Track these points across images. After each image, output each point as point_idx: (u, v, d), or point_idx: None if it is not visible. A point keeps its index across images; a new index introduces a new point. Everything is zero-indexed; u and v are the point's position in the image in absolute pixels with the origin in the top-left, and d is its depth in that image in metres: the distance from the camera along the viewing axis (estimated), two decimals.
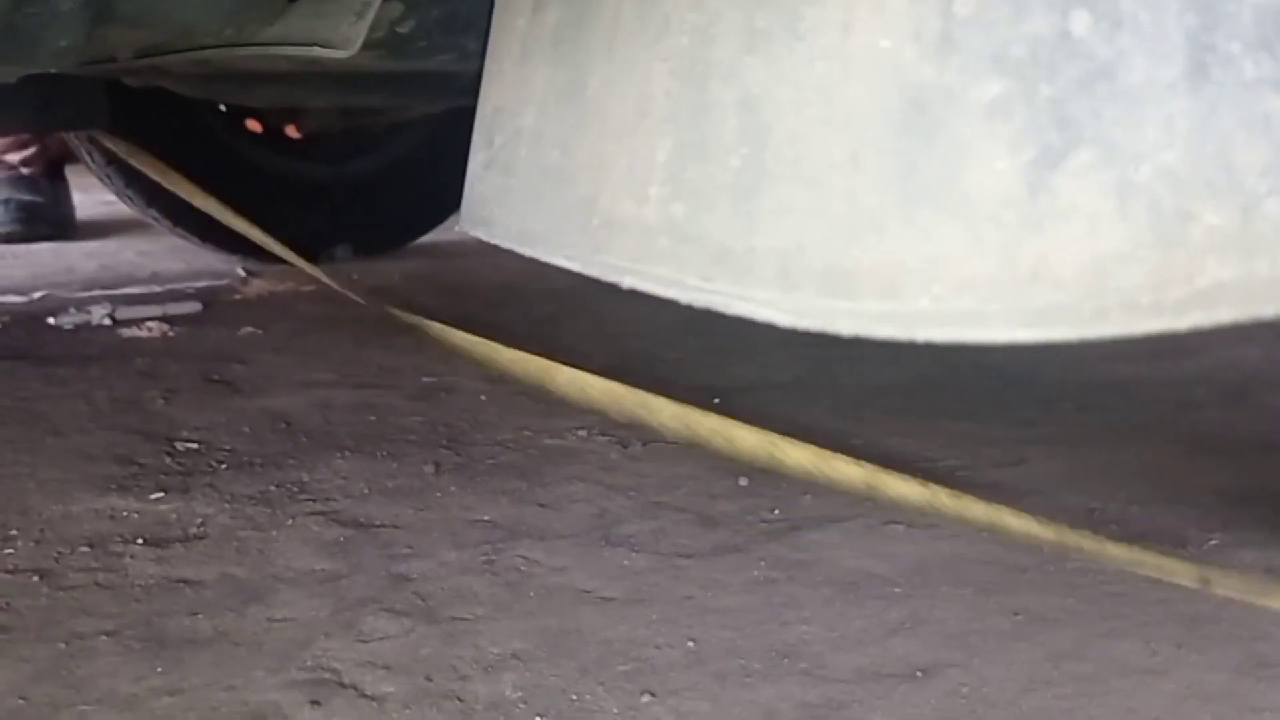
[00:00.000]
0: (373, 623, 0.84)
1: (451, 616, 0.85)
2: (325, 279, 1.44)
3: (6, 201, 2.46)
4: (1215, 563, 0.93)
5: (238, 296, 1.94)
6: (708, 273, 0.40)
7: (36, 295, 1.92)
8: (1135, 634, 0.82)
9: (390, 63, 0.92)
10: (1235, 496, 1.06)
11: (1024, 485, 1.10)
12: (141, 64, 1.00)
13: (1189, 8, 0.32)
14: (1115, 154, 0.33)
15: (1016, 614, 0.85)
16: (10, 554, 0.94)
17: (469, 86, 1.37)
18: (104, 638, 0.81)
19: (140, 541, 0.97)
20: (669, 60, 0.41)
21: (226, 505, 1.04)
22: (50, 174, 2.55)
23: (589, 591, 0.89)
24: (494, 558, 0.94)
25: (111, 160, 2.05)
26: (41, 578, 0.90)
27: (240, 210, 2.12)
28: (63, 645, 0.80)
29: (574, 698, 0.75)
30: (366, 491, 1.08)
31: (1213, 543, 0.97)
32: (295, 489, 1.08)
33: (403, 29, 0.85)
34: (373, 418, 1.29)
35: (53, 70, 0.85)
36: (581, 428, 1.25)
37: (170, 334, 1.66)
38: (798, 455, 0.71)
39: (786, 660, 0.79)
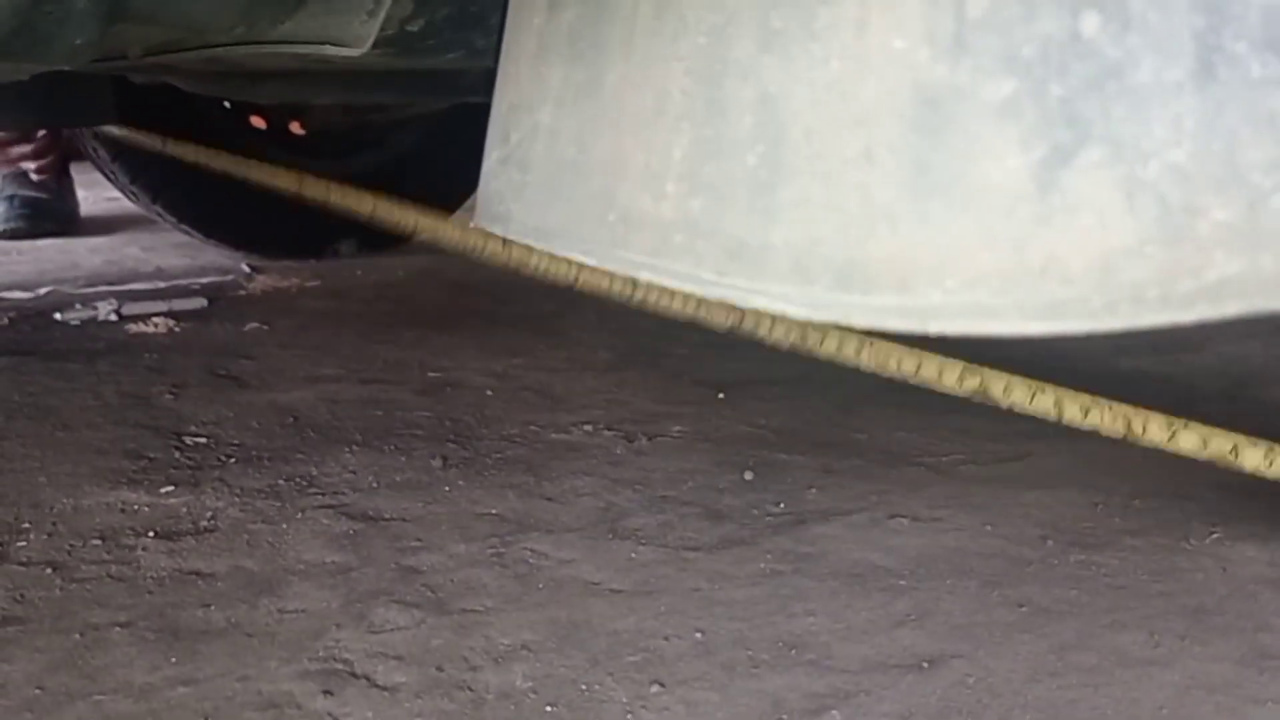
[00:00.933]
0: (383, 614, 0.84)
1: (461, 608, 0.86)
2: None
3: (11, 198, 2.47)
4: (1218, 556, 0.94)
5: (242, 292, 1.95)
6: (724, 267, 0.40)
7: (42, 291, 1.92)
8: (1139, 625, 0.83)
9: (399, 61, 0.93)
10: (1237, 490, 1.07)
11: (1029, 478, 1.11)
12: (151, 61, 1.01)
13: (1197, 9, 0.33)
14: (1124, 151, 0.34)
15: (1021, 605, 0.86)
16: (23, 546, 0.95)
17: (475, 83, 1.38)
18: (118, 629, 0.82)
19: (151, 534, 0.97)
20: (686, 59, 0.42)
21: (236, 499, 1.05)
22: (55, 170, 2.56)
23: (597, 584, 0.90)
24: (502, 550, 0.95)
25: (117, 156, 2.06)
26: (54, 570, 0.91)
27: (245, 206, 2.13)
28: (77, 636, 0.81)
29: (584, 688, 0.76)
30: (375, 485, 1.09)
31: (1215, 536, 0.97)
32: (304, 483, 1.09)
33: (412, 27, 0.86)
34: (380, 412, 1.30)
35: (66, 68, 0.85)
36: (587, 423, 1.26)
37: (176, 329, 1.67)
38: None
39: (793, 651, 0.80)
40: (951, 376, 0.76)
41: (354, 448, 1.18)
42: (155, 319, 1.72)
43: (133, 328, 1.67)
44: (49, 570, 0.91)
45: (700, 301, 0.66)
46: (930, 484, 1.10)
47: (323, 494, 1.07)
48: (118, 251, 2.34)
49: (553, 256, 0.60)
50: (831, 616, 0.85)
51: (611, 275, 0.65)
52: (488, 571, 0.91)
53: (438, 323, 1.73)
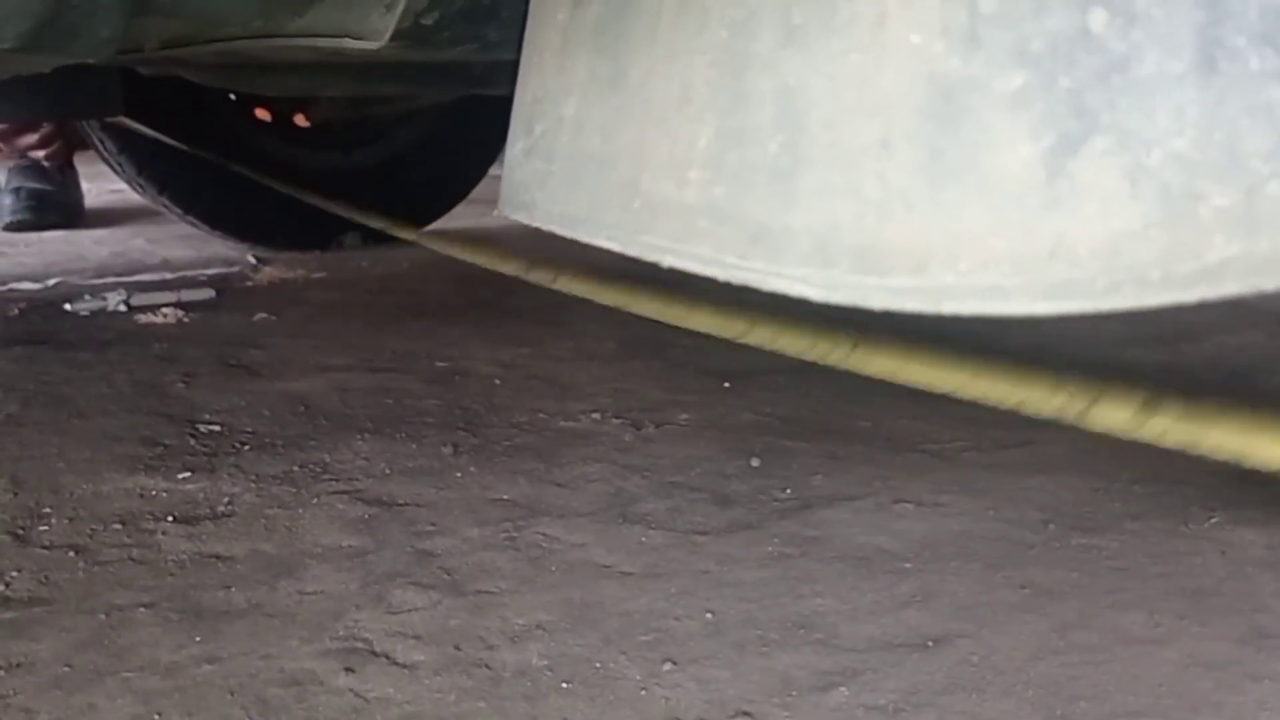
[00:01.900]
0: (401, 595, 0.86)
1: (477, 590, 0.88)
2: None
3: (17, 190, 2.48)
4: (1216, 540, 0.96)
5: (250, 283, 1.97)
6: (745, 251, 0.42)
7: (51, 282, 1.94)
8: (1139, 605, 0.85)
9: (414, 53, 0.94)
10: (1236, 476, 1.09)
11: (1031, 464, 1.13)
12: (165, 54, 1.03)
13: (1198, 4, 0.35)
14: (1129, 140, 0.36)
15: (1024, 587, 0.88)
16: (45, 530, 0.97)
17: (484, 75, 1.40)
18: (142, 609, 0.84)
19: (170, 519, 0.99)
20: (709, 52, 0.43)
21: (252, 484, 1.07)
22: (60, 160, 2.57)
23: (609, 566, 0.92)
24: (515, 534, 0.97)
25: (124, 149, 2.08)
26: (77, 553, 0.93)
27: (251, 198, 2.14)
28: (102, 616, 0.83)
29: (598, 666, 0.78)
30: (388, 471, 1.11)
31: (1214, 520, 0.99)
32: (318, 469, 1.11)
33: (427, 20, 0.88)
34: (390, 401, 1.32)
35: (89, 61, 0.87)
36: (594, 411, 1.28)
37: (185, 320, 1.69)
38: None
39: (802, 631, 0.82)
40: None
41: (366, 435, 1.20)
42: (164, 309, 1.73)
43: (142, 318, 1.69)
44: (72, 554, 0.93)
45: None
46: (934, 470, 1.12)
47: (337, 480, 1.09)
48: (124, 243, 2.36)
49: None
50: (839, 598, 0.87)
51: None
52: (501, 554, 0.93)
53: (444, 313, 1.75)
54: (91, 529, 0.97)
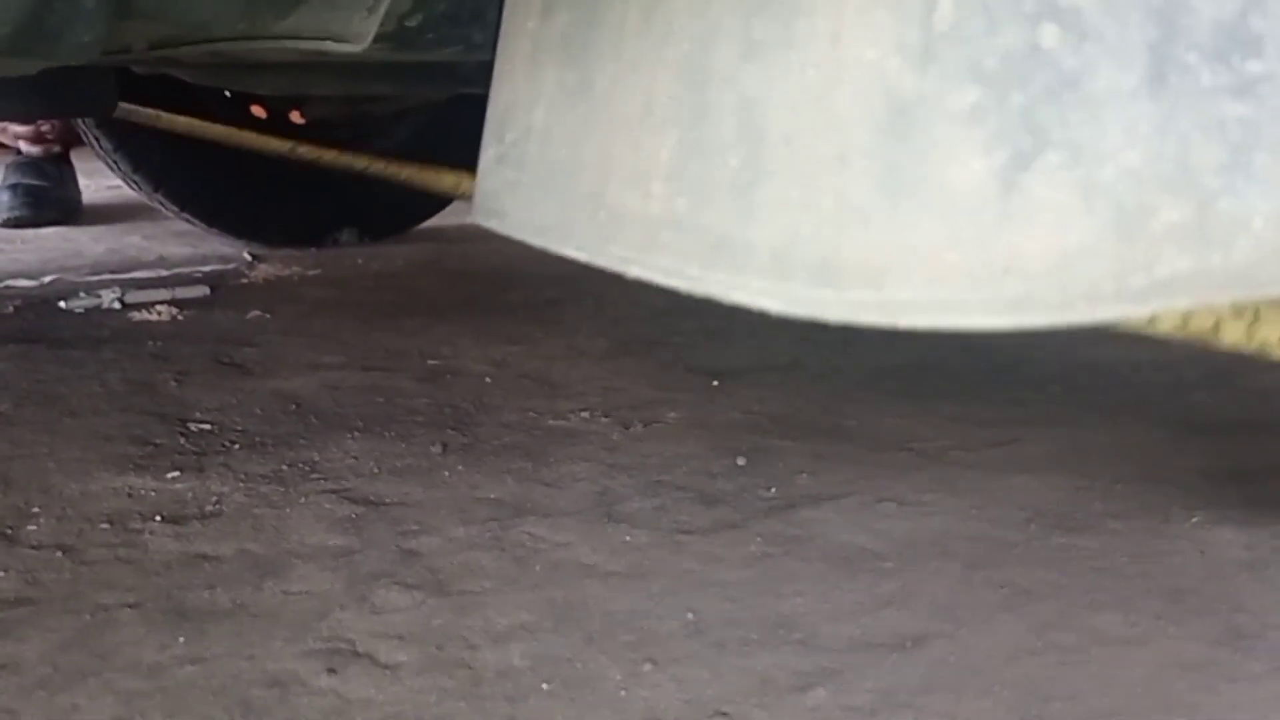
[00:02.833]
0: (385, 595, 0.87)
1: (460, 590, 0.88)
2: None
3: (14, 186, 2.49)
4: (1196, 540, 0.97)
5: (244, 281, 1.97)
6: (707, 263, 0.43)
7: (46, 279, 1.94)
8: (1117, 606, 0.86)
9: (398, 55, 0.95)
10: (1219, 476, 1.10)
11: (1015, 464, 1.13)
12: (155, 55, 1.03)
13: (1150, 20, 0.35)
14: (1081, 155, 0.36)
15: (1002, 587, 0.89)
16: (34, 530, 0.97)
17: (472, 75, 1.40)
18: (127, 610, 0.85)
19: (158, 519, 1.00)
20: (672, 65, 0.44)
21: (241, 484, 1.08)
22: (56, 159, 2.57)
23: (592, 566, 0.92)
24: (501, 534, 0.98)
25: (119, 145, 2.08)
26: (64, 553, 0.93)
27: (247, 194, 2.15)
28: (88, 617, 0.83)
29: (579, 666, 0.78)
30: (376, 470, 1.11)
31: (1195, 520, 1.00)
32: (307, 468, 1.12)
33: (411, 22, 0.88)
34: (381, 399, 1.32)
35: (73, 63, 0.87)
36: (584, 409, 1.29)
37: (180, 317, 1.69)
38: None
39: (782, 630, 0.83)
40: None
41: (356, 434, 1.21)
42: (159, 307, 1.74)
43: (136, 315, 1.69)
44: (59, 553, 0.93)
45: None
46: (918, 469, 1.12)
47: (325, 479, 1.09)
48: (120, 240, 2.36)
49: None
50: (819, 597, 0.87)
51: None
52: (486, 554, 0.94)
53: (437, 311, 1.75)
54: (79, 528, 0.98)
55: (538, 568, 0.92)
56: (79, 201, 2.63)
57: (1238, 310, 0.52)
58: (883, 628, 0.83)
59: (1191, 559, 0.93)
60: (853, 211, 0.39)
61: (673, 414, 1.28)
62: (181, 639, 0.81)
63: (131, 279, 1.94)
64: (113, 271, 2.02)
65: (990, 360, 1.48)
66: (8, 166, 2.53)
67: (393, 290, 1.92)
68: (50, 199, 2.51)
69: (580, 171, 0.48)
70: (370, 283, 1.98)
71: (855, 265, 0.39)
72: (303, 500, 1.04)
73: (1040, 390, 1.37)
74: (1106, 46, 0.36)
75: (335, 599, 0.87)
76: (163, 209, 2.22)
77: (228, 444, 1.18)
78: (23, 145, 2.52)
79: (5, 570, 0.90)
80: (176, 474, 1.09)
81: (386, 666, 0.78)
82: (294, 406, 1.30)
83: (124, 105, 1.85)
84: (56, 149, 2.54)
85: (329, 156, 1.76)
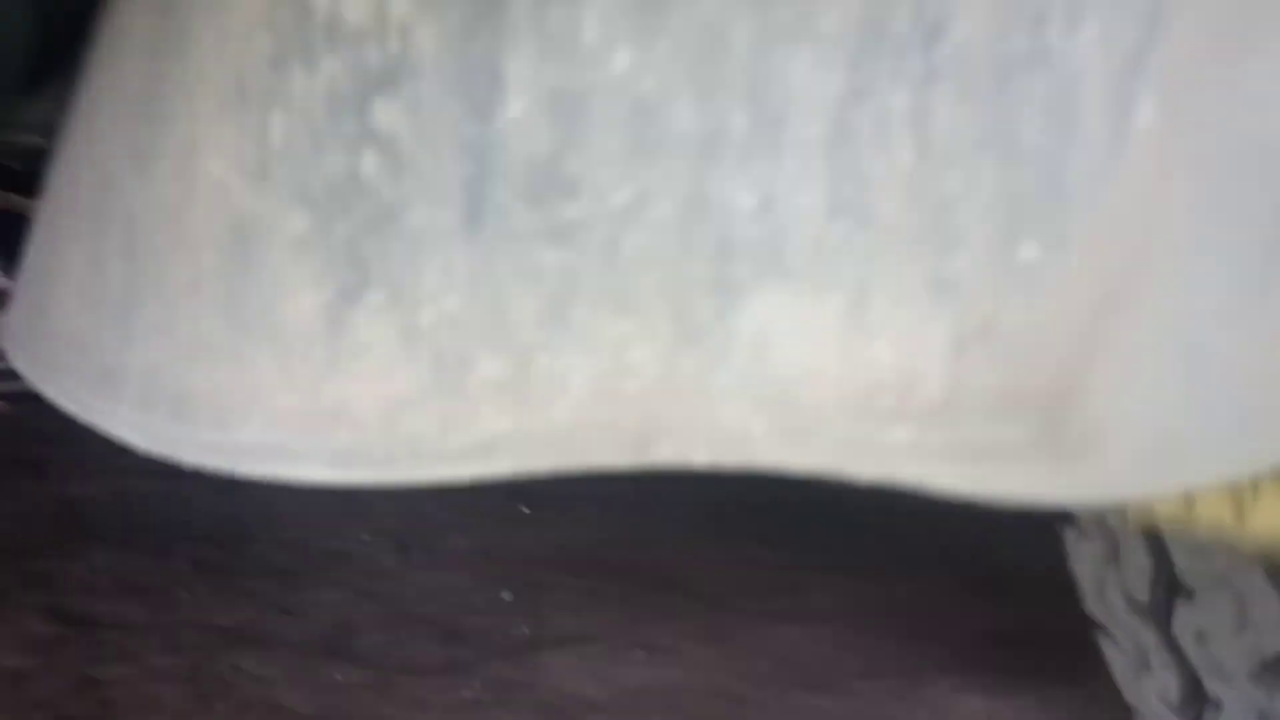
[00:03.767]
0: None
1: None
2: None
3: None
4: (937, 707, 0.91)
5: None
6: (96, 389, 0.39)
7: None
8: None
9: None
10: (992, 638, 1.04)
11: (792, 614, 1.07)
12: None
13: (466, 155, 0.32)
14: (401, 296, 0.33)
15: None
16: None
17: None
18: None
19: None
20: (95, 167, 0.40)
21: None
22: None
23: (283, 707, 0.85)
24: (203, 666, 0.91)
25: None
26: None
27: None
28: None
29: None
30: (110, 588, 1.04)
31: (944, 685, 0.94)
32: (37, 580, 1.05)
33: None
34: (167, 507, 1.26)
35: None
36: (370, 530, 1.23)
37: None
38: None
39: None
40: None
41: (117, 545, 1.14)
42: None
43: None
44: None
45: None
46: (689, 614, 1.06)
47: (49, 593, 1.02)
48: None
49: None
50: None
51: None
52: (173, 688, 0.87)
53: None
54: None
55: (219, 706, 0.85)
56: None
57: None
58: None
59: None
60: (203, 342, 0.35)
61: (463, 541, 1.22)
62: None
63: None
64: None
65: (784, 499, 1.43)
66: None
67: None
68: None
69: (35, 281, 0.44)
70: None
71: (205, 402, 0.35)
72: (11, 615, 0.97)
73: (849, 536, 1.31)
74: (424, 180, 0.32)
75: None
76: None
77: None
78: None
79: None
80: None
81: None
82: (76, 513, 1.24)
83: None
84: None
85: None
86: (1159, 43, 0.28)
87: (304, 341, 0.34)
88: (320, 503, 1.31)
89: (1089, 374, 0.30)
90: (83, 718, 0.81)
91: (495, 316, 0.32)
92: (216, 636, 0.96)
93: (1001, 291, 0.31)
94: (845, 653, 0.99)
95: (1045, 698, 0.92)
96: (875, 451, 0.32)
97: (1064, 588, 1.16)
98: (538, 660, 0.95)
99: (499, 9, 0.32)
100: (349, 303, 0.33)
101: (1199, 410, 0.29)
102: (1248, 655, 0.74)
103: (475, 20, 0.32)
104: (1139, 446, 0.29)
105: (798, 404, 0.32)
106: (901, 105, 0.31)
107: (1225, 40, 0.27)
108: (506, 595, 1.08)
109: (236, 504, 1.29)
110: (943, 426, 0.32)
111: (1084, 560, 0.85)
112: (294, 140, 0.33)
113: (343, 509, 1.29)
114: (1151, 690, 0.78)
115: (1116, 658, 0.80)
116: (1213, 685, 0.76)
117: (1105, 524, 0.83)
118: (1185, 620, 0.75)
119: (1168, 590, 0.75)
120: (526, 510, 1.33)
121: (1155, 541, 0.76)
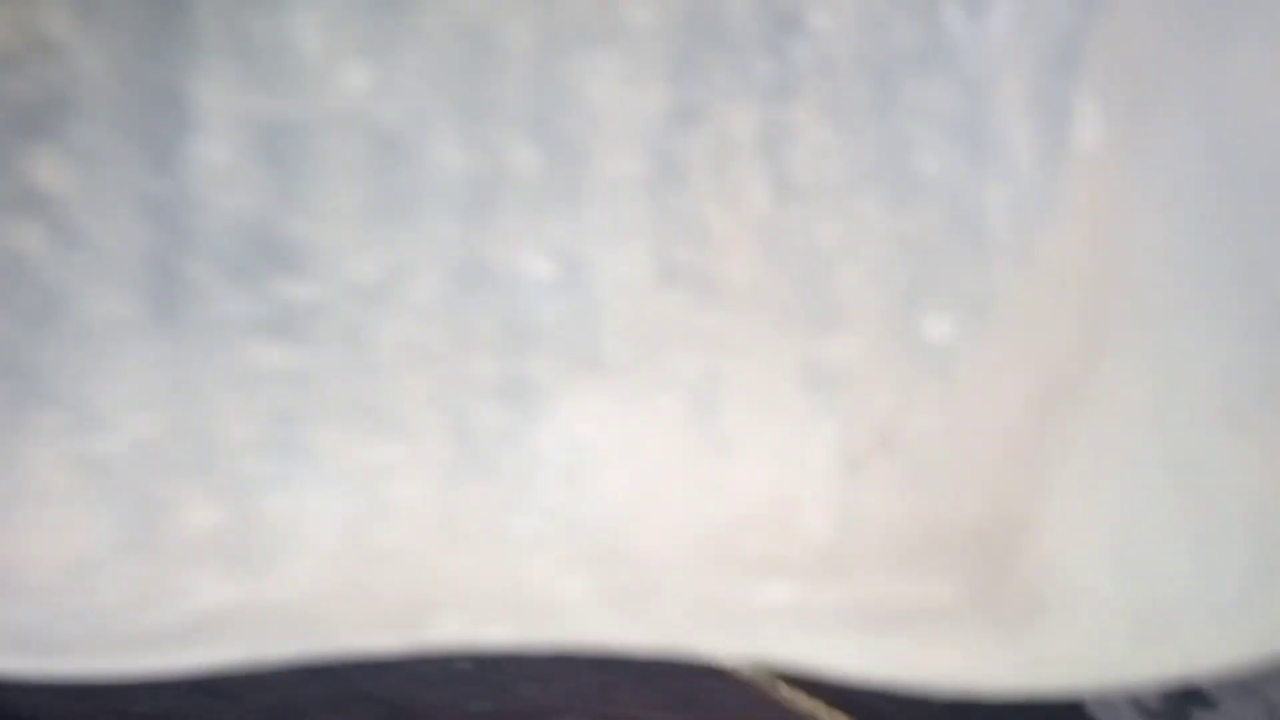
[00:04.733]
0: None
1: None
2: None
3: None
4: None
5: None
6: None
7: None
8: None
9: None
10: None
11: None
12: None
13: (148, 218, 0.23)
14: (85, 419, 0.24)
15: None
16: None
17: None
18: None
19: None
20: None
21: None
22: None
23: None
24: None
25: None
26: None
27: None
28: None
29: None
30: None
31: None
32: None
33: None
34: None
35: None
36: None
37: None
38: None
39: None
40: None
41: None
42: None
43: None
44: None
45: None
46: (660, 677, 0.98)
47: None
48: None
49: None
50: None
51: None
52: None
53: None
54: None
55: None
56: None
57: None
58: None
59: None
60: None
61: None
62: None
63: None
64: None
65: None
66: None
67: None
68: None
69: None
70: None
71: None
72: None
73: None
74: (99, 256, 0.23)
75: None
76: None
77: None
78: None
79: None
80: None
81: None
82: None
83: None
84: None
85: None
86: (1098, 26, 0.19)
87: None
88: None
89: (1035, 501, 0.21)
90: None
91: (203, 443, 0.23)
92: None
93: (903, 383, 0.22)
94: None
95: None
96: (740, 618, 0.23)
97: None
98: None
99: (182, 12, 0.23)
100: (14, 427, 0.25)
101: (1200, 554, 0.20)
102: None
103: (152, 33, 0.23)
104: (1111, 610, 0.20)
105: (628, 555, 0.24)
106: (747, 128, 0.22)
107: (1194, 20, 0.18)
108: (465, 665, 1.00)
109: None
110: (833, 580, 0.23)
111: None
112: None
113: None
114: None
115: None
116: None
117: None
118: None
119: (1183, 698, 0.66)
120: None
121: None
